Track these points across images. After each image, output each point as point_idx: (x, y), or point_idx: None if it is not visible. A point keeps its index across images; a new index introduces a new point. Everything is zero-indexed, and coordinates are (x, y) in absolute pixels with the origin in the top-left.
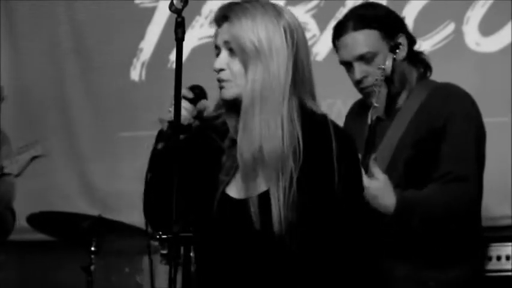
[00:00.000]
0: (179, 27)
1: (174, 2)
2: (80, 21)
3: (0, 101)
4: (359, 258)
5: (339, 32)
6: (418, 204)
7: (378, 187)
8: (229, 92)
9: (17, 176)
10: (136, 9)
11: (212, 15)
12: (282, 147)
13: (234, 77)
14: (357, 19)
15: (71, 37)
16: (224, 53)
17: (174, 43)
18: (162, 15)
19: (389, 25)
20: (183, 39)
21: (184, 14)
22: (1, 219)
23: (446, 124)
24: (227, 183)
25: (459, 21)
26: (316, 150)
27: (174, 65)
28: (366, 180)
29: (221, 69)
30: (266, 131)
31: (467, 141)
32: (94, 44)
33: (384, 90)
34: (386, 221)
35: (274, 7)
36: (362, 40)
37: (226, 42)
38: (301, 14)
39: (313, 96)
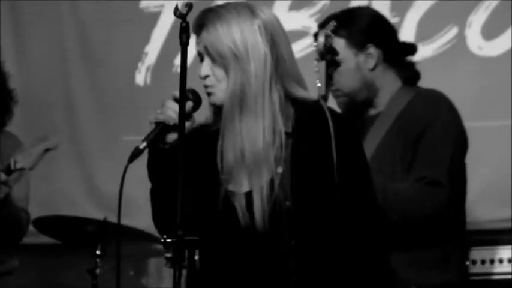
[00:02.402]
0: (184, 32)
1: (179, 7)
2: (85, 26)
3: (14, 102)
4: (364, 247)
5: (316, 34)
6: (389, 193)
7: None
8: (217, 98)
9: (31, 169)
10: (142, 14)
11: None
12: (262, 146)
13: (218, 83)
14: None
15: (75, 41)
16: (207, 60)
17: (179, 48)
18: (167, 20)
19: (358, 35)
20: (187, 43)
21: (188, 19)
22: (16, 221)
23: (424, 130)
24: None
25: (462, 25)
26: (312, 136)
27: (179, 69)
28: None
29: (206, 76)
30: (247, 133)
31: (442, 148)
32: (99, 48)
33: (321, 67)
34: None
35: (248, 7)
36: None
37: (206, 50)
38: (305, 18)
39: (302, 86)
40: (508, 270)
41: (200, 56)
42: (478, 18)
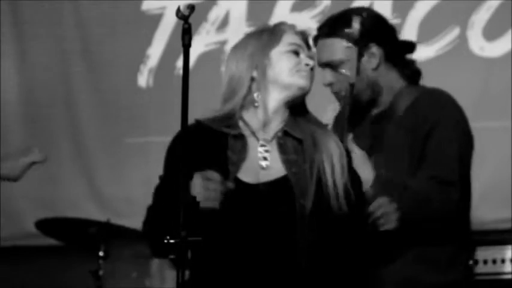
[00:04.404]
0: (186, 34)
1: (181, 8)
2: (86, 28)
3: None
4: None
5: (315, 36)
6: (396, 186)
7: (357, 160)
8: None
9: (16, 180)
10: (144, 16)
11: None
12: None
13: None
14: (328, 26)
15: (76, 42)
16: None
17: (181, 49)
18: (169, 22)
19: (360, 34)
20: (189, 45)
21: (190, 20)
22: None
23: (433, 129)
24: (236, 172)
25: (463, 26)
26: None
27: (181, 71)
28: None
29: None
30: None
31: (453, 147)
32: (101, 50)
33: (352, 55)
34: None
35: None
36: (329, 47)
37: None
38: (307, 19)
39: None
40: (509, 270)
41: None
42: (479, 19)
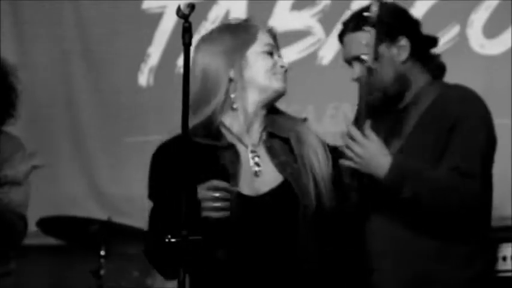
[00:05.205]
0: (186, 33)
1: (181, 7)
2: (87, 27)
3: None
4: None
5: (342, 31)
6: (414, 173)
7: (374, 147)
8: None
9: (20, 185)
10: (144, 15)
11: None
12: None
13: None
14: (355, 20)
15: (76, 42)
16: None
17: (182, 48)
18: (170, 21)
19: (389, 27)
20: (190, 44)
21: (191, 19)
22: (13, 227)
23: (458, 122)
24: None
25: (463, 24)
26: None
27: (181, 70)
28: (362, 140)
29: None
30: None
31: (477, 141)
32: (101, 49)
33: (370, 38)
34: (381, 187)
35: None
36: (357, 41)
37: None
38: (307, 18)
39: None
40: (509, 268)
41: None
42: (479, 18)
